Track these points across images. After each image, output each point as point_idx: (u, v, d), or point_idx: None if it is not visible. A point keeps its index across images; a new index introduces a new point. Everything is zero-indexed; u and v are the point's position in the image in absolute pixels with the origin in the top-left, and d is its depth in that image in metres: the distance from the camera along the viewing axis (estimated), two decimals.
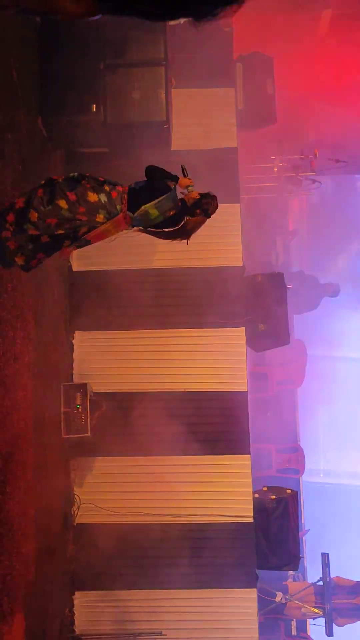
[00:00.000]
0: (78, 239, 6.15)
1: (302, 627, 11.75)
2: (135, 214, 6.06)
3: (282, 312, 10.73)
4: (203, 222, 6.23)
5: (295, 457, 12.58)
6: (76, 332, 9.69)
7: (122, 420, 9.41)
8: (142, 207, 6.03)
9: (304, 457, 12.57)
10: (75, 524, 9.18)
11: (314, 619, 11.45)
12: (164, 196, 6.06)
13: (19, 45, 8.00)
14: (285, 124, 12.05)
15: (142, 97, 8.85)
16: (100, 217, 6.05)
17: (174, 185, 6.17)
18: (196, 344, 9.74)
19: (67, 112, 8.80)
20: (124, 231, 6.27)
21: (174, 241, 6.33)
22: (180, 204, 6.16)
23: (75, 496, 9.23)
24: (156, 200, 6.04)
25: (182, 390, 9.59)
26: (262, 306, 10.42)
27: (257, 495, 9.78)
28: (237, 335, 9.84)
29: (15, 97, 7.80)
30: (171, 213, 6.12)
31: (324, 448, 15.19)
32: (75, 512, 9.17)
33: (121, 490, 9.33)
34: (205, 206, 6.17)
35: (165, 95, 8.88)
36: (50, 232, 6.09)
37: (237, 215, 10.08)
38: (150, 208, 6.04)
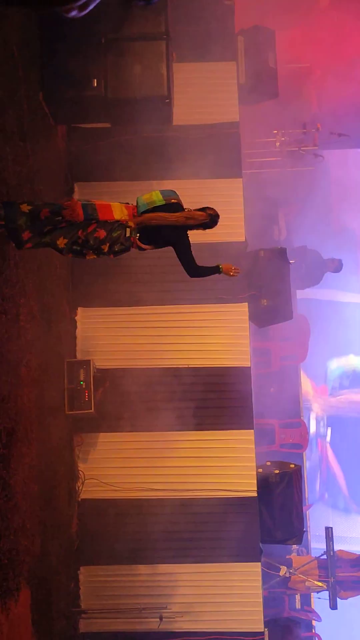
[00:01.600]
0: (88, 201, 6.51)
1: (306, 600, 11.81)
2: (142, 196, 6.60)
3: (284, 287, 10.71)
4: (203, 219, 6.67)
5: (299, 432, 12.60)
6: (79, 308, 9.69)
7: (126, 396, 9.43)
8: (149, 192, 6.64)
9: (307, 432, 12.59)
10: (79, 500, 9.22)
11: (318, 592, 11.50)
12: (169, 190, 6.72)
13: (19, 21, 7.96)
14: (288, 97, 11.99)
15: (143, 71, 8.81)
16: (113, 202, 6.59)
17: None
18: (199, 320, 9.75)
19: (68, 87, 8.75)
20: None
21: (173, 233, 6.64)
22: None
23: (80, 472, 9.26)
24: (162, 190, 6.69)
25: (186, 366, 9.60)
26: (265, 281, 10.40)
27: (260, 470, 9.81)
28: (240, 311, 9.84)
29: (16, 72, 7.76)
30: (172, 200, 6.63)
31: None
32: (80, 488, 9.21)
33: (125, 466, 9.36)
34: (209, 211, 6.69)
35: (167, 69, 8.82)
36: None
37: (239, 190, 10.06)
38: (155, 192, 6.61)
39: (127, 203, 6.66)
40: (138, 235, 6.57)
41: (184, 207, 6.70)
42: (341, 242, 14.18)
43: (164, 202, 6.58)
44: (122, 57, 8.78)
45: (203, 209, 6.68)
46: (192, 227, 6.69)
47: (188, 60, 10.06)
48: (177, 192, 6.75)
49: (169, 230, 6.59)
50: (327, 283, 12.88)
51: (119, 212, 6.53)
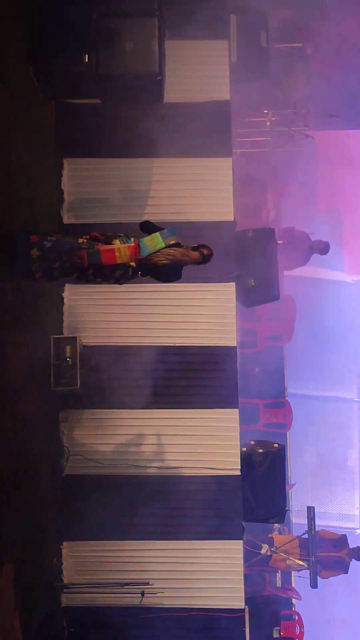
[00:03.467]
0: (92, 249, 7.16)
1: (286, 579, 11.91)
2: (145, 239, 7.24)
3: (272, 268, 10.71)
4: (196, 259, 7.30)
5: (283, 412, 12.66)
6: (66, 285, 9.67)
7: (112, 374, 9.44)
8: (150, 236, 7.26)
9: (291, 411, 12.65)
10: (64, 475, 9.24)
11: (298, 571, 11.59)
12: (168, 229, 7.32)
13: None
14: (279, 77, 11.95)
15: (135, 48, 8.74)
16: (116, 242, 7.23)
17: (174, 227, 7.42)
18: (186, 299, 9.74)
19: (59, 62, 8.70)
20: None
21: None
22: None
23: (64, 448, 9.28)
24: (162, 230, 7.31)
25: (172, 344, 9.61)
26: (253, 262, 10.40)
27: (244, 449, 9.85)
28: (227, 291, 9.84)
29: (6, 46, 7.71)
30: (172, 242, 7.24)
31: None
32: (64, 464, 9.23)
33: (110, 443, 9.38)
34: (203, 249, 7.30)
35: (158, 46, 8.76)
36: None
37: (229, 169, 10.02)
38: (156, 235, 7.24)
39: (129, 241, 7.26)
40: (140, 272, 7.32)
41: (182, 243, 7.30)
42: (327, 222, 14.20)
43: (164, 246, 7.20)
44: (113, 33, 8.71)
45: (197, 248, 7.28)
46: (187, 264, 7.32)
47: (180, 38, 9.96)
48: (176, 230, 7.38)
49: (166, 267, 7.26)
50: (312, 261, 12.89)
51: (122, 256, 7.16)
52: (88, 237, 7.24)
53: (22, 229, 7.38)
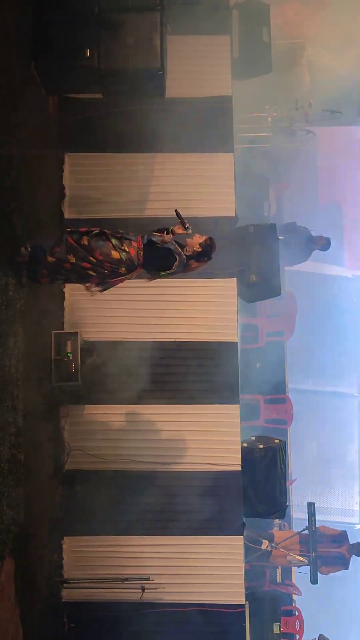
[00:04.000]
0: (104, 282, 7.49)
1: (287, 574, 11.92)
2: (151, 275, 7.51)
3: (273, 263, 10.71)
4: (201, 266, 7.50)
5: (284, 408, 12.66)
6: None
7: (113, 369, 9.43)
8: (158, 274, 7.46)
9: (292, 407, 12.66)
10: (64, 471, 9.24)
11: (298, 567, 11.61)
12: (174, 267, 7.31)
13: None
14: (281, 73, 11.94)
15: (136, 42, 8.73)
16: (122, 270, 7.34)
17: (180, 252, 7.35)
18: (187, 294, 9.73)
19: (61, 57, 8.68)
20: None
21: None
22: (186, 260, 7.38)
23: (65, 443, 9.27)
24: (168, 271, 7.36)
25: (173, 339, 9.61)
26: (254, 257, 10.39)
27: (245, 445, 9.86)
28: (229, 286, 9.83)
29: (9, 41, 7.70)
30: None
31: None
32: (65, 459, 9.22)
33: (111, 438, 9.38)
34: (207, 249, 7.37)
35: (160, 41, 8.75)
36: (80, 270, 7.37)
37: (230, 165, 10.02)
38: (164, 275, 7.45)
39: (134, 266, 7.35)
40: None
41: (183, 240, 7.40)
42: (328, 218, 14.21)
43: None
44: (115, 27, 8.70)
45: (201, 255, 7.34)
46: None
47: (182, 33, 9.96)
48: (182, 257, 7.36)
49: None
50: (312, 256, 12.89)
51: (131, 278, 7.48)
52: (95, 261, 7.23)
53: (31, 252, 7.49)
